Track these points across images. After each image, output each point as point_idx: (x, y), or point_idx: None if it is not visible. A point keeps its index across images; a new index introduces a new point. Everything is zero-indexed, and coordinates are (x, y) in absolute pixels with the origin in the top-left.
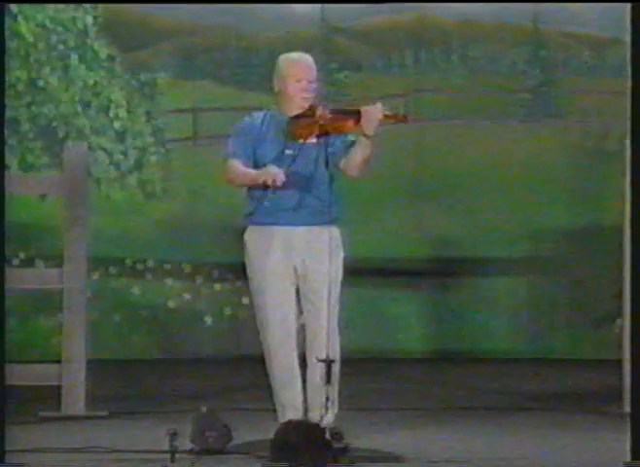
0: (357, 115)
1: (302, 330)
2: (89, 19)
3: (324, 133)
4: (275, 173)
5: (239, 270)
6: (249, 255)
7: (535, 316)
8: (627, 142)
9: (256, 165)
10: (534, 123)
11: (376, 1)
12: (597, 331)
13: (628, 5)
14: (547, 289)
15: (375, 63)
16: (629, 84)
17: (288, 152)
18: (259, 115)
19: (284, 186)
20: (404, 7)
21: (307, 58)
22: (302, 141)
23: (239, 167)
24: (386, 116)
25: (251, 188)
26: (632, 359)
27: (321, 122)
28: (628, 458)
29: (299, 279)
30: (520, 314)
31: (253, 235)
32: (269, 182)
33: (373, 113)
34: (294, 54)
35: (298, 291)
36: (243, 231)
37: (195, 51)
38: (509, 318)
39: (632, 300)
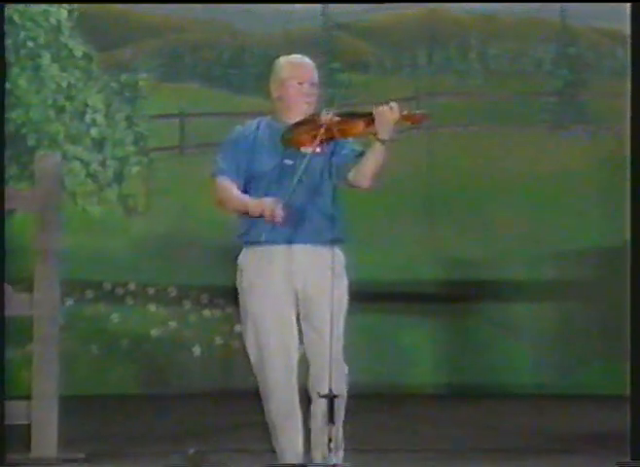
0: (369, 116)
1: (301, 362)
2: (64, 14)
3: (329, 138)
4: (274, 207)
5: (231, 295)
6: (244, 280)
7: (562, 347)
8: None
9: (251, 179)
10: (561, 129)
11: (382, 1)
12: None
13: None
14: (575, 316)
15: (383, 63)
16: (629, 85)
17: (288, 162)
18: (252, 123)
19: (284, 221)
20: None
21: (309, 61)
22: (304, 150)
23: (232, 190)
24: (403, 116)
25: None
26: (632, 356)
27: (326, 125)
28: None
29: (300, 304)
30: (546, 344)
31: (248, 258)
32: (267, 217)
33: (389, 114)
34: (294, 56)
35: (298, 318)
36: (235, 250)
37: (183, 49)
38: (533, 349)
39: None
